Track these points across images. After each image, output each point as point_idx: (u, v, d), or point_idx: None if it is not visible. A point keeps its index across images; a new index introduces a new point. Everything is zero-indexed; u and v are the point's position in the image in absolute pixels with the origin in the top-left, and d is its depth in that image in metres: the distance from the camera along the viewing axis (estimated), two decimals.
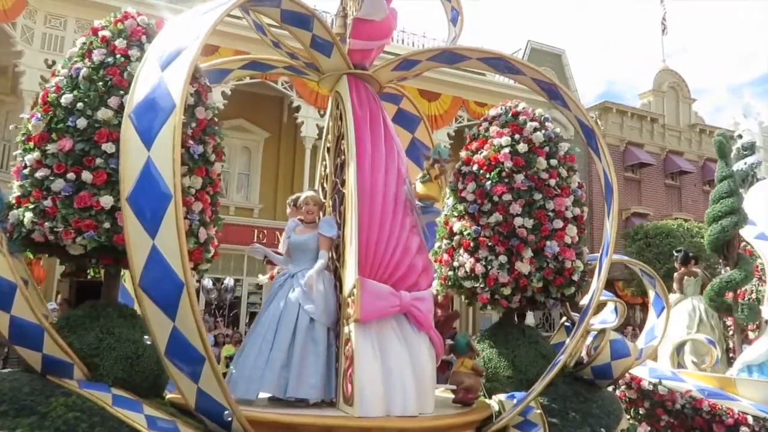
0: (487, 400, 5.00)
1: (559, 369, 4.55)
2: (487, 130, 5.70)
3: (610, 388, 6.37)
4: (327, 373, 4.38)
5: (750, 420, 5.71)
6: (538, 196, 5.28)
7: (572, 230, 5.32)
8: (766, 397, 5.99)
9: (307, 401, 4.28)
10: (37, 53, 13.57)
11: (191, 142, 4.09)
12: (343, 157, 4.95)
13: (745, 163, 7.57)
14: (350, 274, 4.35)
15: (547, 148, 5.46)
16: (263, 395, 4.37)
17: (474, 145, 5.70)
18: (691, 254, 7.72)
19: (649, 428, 6.29)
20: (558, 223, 5.26)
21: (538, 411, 4.63)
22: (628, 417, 6.60)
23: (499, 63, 5.08)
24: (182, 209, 3.98)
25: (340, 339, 4.43)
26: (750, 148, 7.57)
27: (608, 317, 6.07)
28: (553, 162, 5.42)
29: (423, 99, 16.42)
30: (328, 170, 5.14)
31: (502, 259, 5.18)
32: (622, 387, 6.52)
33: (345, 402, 4.17)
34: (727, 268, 7.06)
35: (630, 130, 25.71)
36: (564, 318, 6.21)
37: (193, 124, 4.18)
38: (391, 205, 4.70)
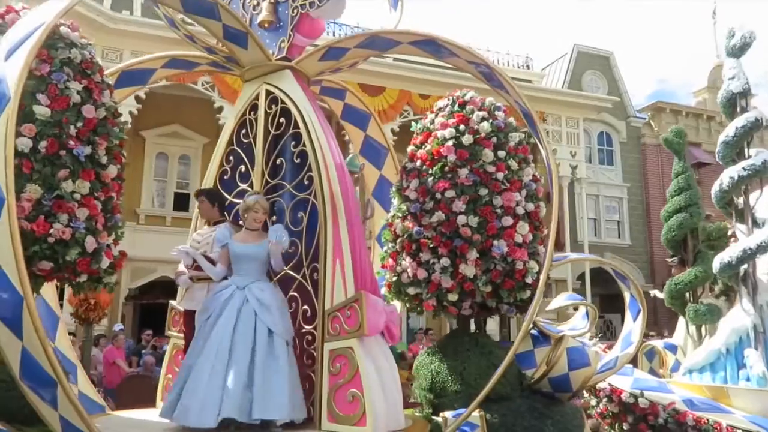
0: (434, 418, 4.53)
1: (496, 380, 4.05)
2: (432, 122, 5.25)
3: (582, 401, 5.85)
4: (291, 390, 4.00)
5: None
6: (483, 192, 4.79)
7: (524, 228, 4.79)
8: (761, 408, 5.35)
9: (274, 423, 3.90)
10: None
11: (72, 142, 3.74)
12: (291, 157, 4.64)
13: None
14: (339, 287, 4.14)
15: (494, 139, 4.96)
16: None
17: (419, 139, 5.25)
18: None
19: None
20: (507, 221, 4.75)
21: None
22: None
23: (432, 46, 4.63)
24: (66, 215, 3.71)
25: (318, 354, 4.16)
26: None
27: (578, 323, 5.51)
28: (501, 153, 4.92)
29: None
30: (249, 168, 4.74)
31: (445, 261, 4.70)
32: (604, 400, 5.94)
33: (339, 422, 3.92)
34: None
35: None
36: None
37: (79, 123, 3.84)
38: (359, 215, 4.54)
